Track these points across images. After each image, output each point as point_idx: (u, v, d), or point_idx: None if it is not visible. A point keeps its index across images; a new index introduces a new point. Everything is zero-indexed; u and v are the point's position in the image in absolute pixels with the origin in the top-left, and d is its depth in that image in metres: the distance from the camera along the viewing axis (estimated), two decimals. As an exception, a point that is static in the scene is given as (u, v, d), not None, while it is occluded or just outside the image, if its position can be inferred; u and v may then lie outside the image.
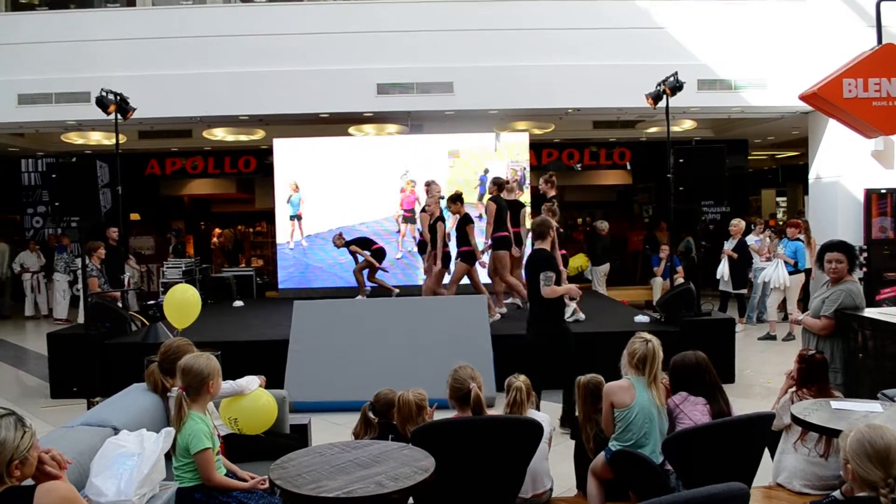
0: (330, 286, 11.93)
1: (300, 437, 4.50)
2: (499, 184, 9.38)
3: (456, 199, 9.13)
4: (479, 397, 3.56)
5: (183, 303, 6.57)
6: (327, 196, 12.22)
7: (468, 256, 9.00)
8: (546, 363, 5.97)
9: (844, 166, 10.90)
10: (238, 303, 11.51)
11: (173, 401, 3.45)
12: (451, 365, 3.79)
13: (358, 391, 5.28)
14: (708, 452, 3.43)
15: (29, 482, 2.40)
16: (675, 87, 8.43)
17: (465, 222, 8.97)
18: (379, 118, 12.22)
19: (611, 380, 3.89)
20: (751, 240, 11.28)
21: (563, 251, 8.65)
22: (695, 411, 3.74)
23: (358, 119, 12.35)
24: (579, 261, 12.92)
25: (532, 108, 11.54)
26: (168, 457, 3.28)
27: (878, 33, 9.37)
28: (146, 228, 16.72)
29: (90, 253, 9.09)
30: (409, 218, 12.05)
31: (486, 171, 12.23)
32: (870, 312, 5.18)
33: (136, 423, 3.52)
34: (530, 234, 9.02)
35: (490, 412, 3.83)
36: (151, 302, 8.44)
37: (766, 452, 3.87)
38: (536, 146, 14.68)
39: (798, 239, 10.32)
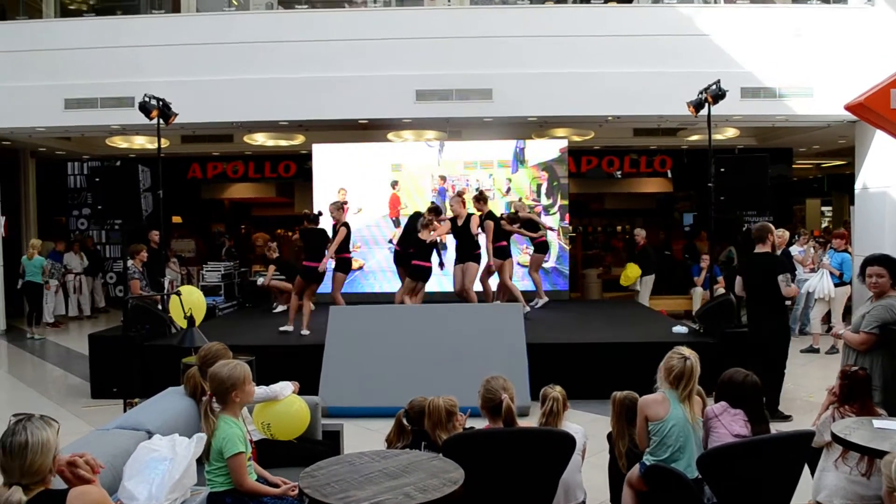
0: (367, 291, 11.97)
1: (332, 443, 4.50)
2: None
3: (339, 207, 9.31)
4: (510, 408, 3.53)
5: (189, 305, 6.63)
6: (366, 200, 12.32)
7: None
8: (774, 358, 6.74)
9: (893, 176, 10.62)
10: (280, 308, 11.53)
11: (202, 406, 3.47)
12: (486, 373, 3.77)
13: (392, 398, 5.27)
14: (745, 469, 3.35)
15: (61, 485, 2.44)
16: (718, 95, 8.30)
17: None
18: (417, 124, 12.26)
19: (647, 391, 3.83)
20: (795, 250, 11.06)
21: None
22: (733, 423, 3.67)
23: (397, 125, 12.40)
24: (634, 271, 12.62)
25: (572, 115, 11.46)
26: (199, 461, 3.30)
27: (929, 41, 9.14)
28: (187, 231, 16.97)
29: (133, 255, 9.25)
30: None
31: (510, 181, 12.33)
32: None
33: (169, 428, 3.55)
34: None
35: (523, 422, 3.80)
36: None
37: (807, 469, 3.77)
38: (576, 153, 14.59)
39: (845, 250, 10.09)
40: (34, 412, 2.45)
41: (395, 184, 12.37)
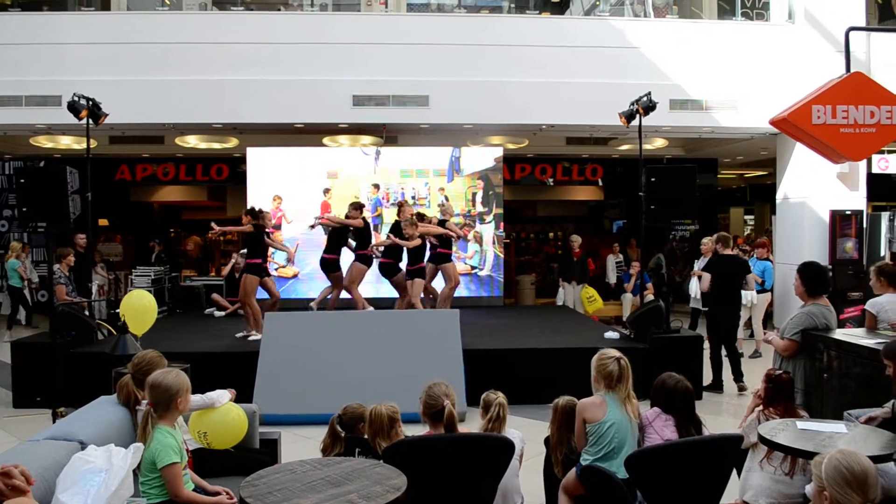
0: (302, 297, 11.86)
1: (270, 451, 4.45)
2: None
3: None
4: (452, 414, 3.57)
5: (140, 308, 6.53)
6: (300, 205, 12.21)
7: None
8: (729, 340, 8.28)
9: (811, 187, 11.09)
10: (216, 311, 11.40)
11: (141, 415, 3.41)
12: (422, 379, 3.79)
13: (328, 404, 5.22)
14: (672, 471, 3.46)
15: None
16: (649, 106, 8.53)
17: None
18: (354, 129, 12.22)
19: (581, 396, 3.93)
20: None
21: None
22: (665, 429, 3.78)
23: (333, 130, 12.33)
24: (596, 295, 12.52)
25: (506, 123, 11.60)
26: (135, 472, 3.23)
27: (847, 61, 9.56)
28: (114, 235, 16.49)
29: (59, 259, 8.97)
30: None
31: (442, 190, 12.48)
32: (834, 333, 5.28)
33: (103, 438, 3.46)
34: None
35: (461, 427, 3.84)
36: (119, 310, 8.32)
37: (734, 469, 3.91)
38: (510, 161, 14.74)
39: (766, 258, 10.48)
40: None
41: (326, 191, 12.31)
